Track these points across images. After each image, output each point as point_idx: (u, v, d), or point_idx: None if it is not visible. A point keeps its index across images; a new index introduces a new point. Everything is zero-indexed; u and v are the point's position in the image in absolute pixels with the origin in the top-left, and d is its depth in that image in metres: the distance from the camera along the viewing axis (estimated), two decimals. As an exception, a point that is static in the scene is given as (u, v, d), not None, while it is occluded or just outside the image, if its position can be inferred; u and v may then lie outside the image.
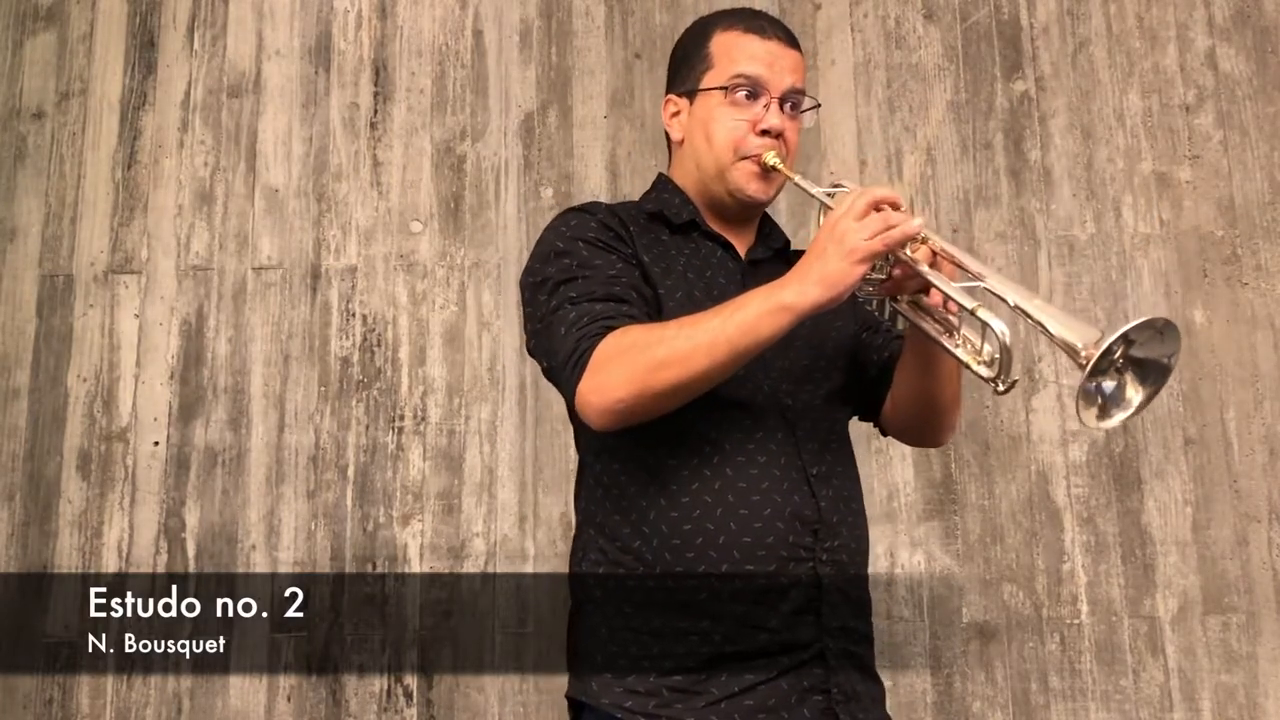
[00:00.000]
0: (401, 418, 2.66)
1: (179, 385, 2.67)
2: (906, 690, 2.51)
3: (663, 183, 1.58)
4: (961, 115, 2.80)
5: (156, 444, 2.64)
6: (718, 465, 1.38)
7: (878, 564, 2.56)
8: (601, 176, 2.78)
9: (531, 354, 1.45)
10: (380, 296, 2.72)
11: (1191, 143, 2.77)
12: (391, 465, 2.63)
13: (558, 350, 1.36)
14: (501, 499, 2.61)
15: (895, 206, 1.29)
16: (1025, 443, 2.62)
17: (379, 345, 2.70)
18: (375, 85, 2.84)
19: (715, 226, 1.53)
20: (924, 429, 1.57)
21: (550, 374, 1.41)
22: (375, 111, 2.82)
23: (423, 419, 2.66)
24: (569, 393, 1.36)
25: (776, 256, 1.57)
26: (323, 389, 2.67)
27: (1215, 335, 2.66)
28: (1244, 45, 2.81)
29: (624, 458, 1.42)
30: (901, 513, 2.60)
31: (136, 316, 2.71)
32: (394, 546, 2.59)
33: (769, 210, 1.61)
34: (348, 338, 2.70)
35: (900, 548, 2.58)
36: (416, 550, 2.59)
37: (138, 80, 2.84)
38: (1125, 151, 2.77)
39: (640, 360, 1.29)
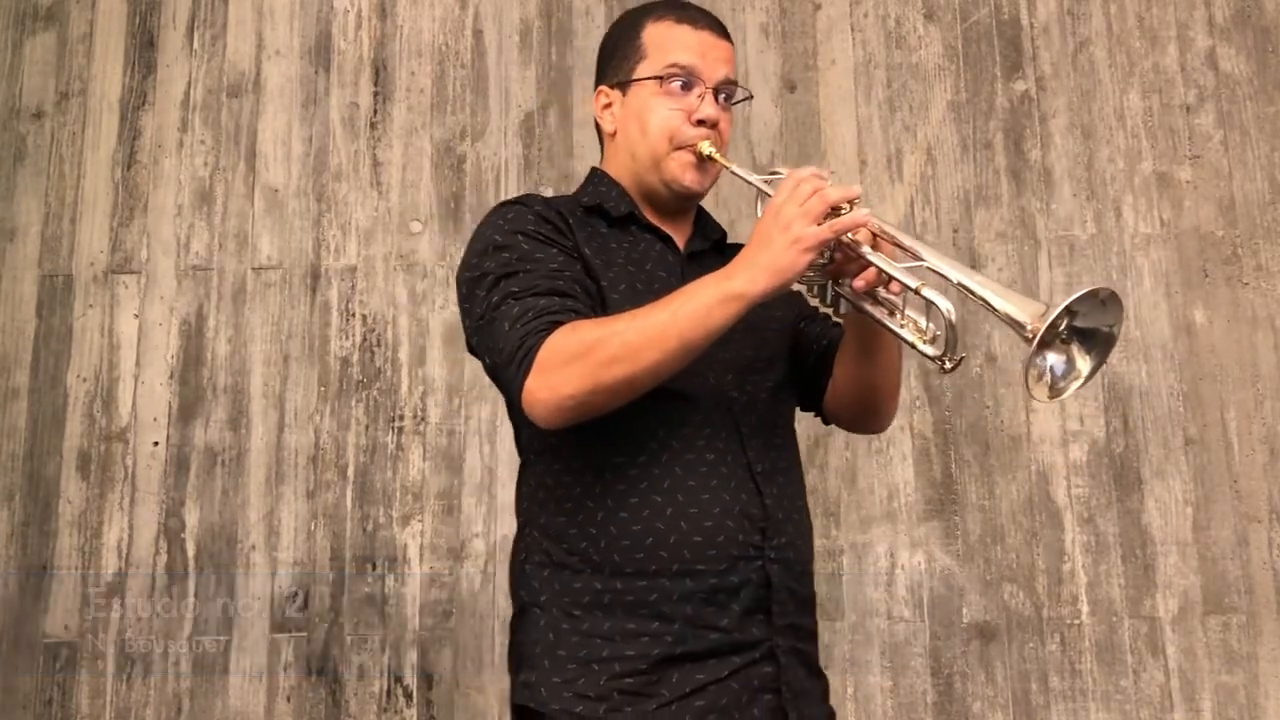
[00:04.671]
0: (401, 418, 2.65)
1: (179, 385, 2.67)
2: (906, 690, 2.51)
3: (598, 176, 1.56)
4: (962, 115, 2.80)
5: (156, 444, 2.64)
6: (666, 463, 1.36)
7: (878, 564, 2.56)
8: (601, 176, 2.78)
9: (473, 351, 1.42)
10: (380, 296, 2.72)
11: (1192, 143, 2.77)
12: (391, 465, 2.63)
13: (501, 347, 1.33)
14: (501, 499, 2.60)
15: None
16: (1025, 443, 2.62)
17: (379, 345, 2.70)
18: (375, 85, 2.84)
19: (653, 219, 1.51)
20: (865, 415, 1.57)
21: (493, 371, 1.38)
22: (375, 111, 2.82)
23: (423, 419, 2.65)
24: (515, 390, 1.32)
25: (714, 248, 1.56)
26: (322, 389, 2.67)
27: (1215, 335, 2.66)
28: (1244, 45, 2.81)
29: (567, 456, 1.40)
30: (901, 513, 2.60)
31: (136, 316, 2.71)
32: (394, 546, 2.59)
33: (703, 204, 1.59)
34: (348, 338, 2.70)
35: (900, 548, 2.58)
36: (416, 550, 2.59)
37: (137, 80, 2.84)
38: (1125, 151, 2.77)
39: (590, 356, 1.26)
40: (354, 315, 2.71)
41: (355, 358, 2.69)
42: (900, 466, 2.61)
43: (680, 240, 1.52)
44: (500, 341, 1.33)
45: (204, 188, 2.78)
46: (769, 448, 1.44)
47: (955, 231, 2.74)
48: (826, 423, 1.60)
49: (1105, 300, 1.20)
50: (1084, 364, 1.23)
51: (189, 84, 2.84)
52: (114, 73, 2.84)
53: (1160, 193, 2.74)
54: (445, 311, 2.71)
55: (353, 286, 2.73)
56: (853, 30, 2.86)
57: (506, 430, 2.65)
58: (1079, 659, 2.52)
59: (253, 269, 2.74)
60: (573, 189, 2.74)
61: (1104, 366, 1.25)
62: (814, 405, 1.58)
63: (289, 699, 2.52)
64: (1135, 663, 2.52)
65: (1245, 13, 2.82)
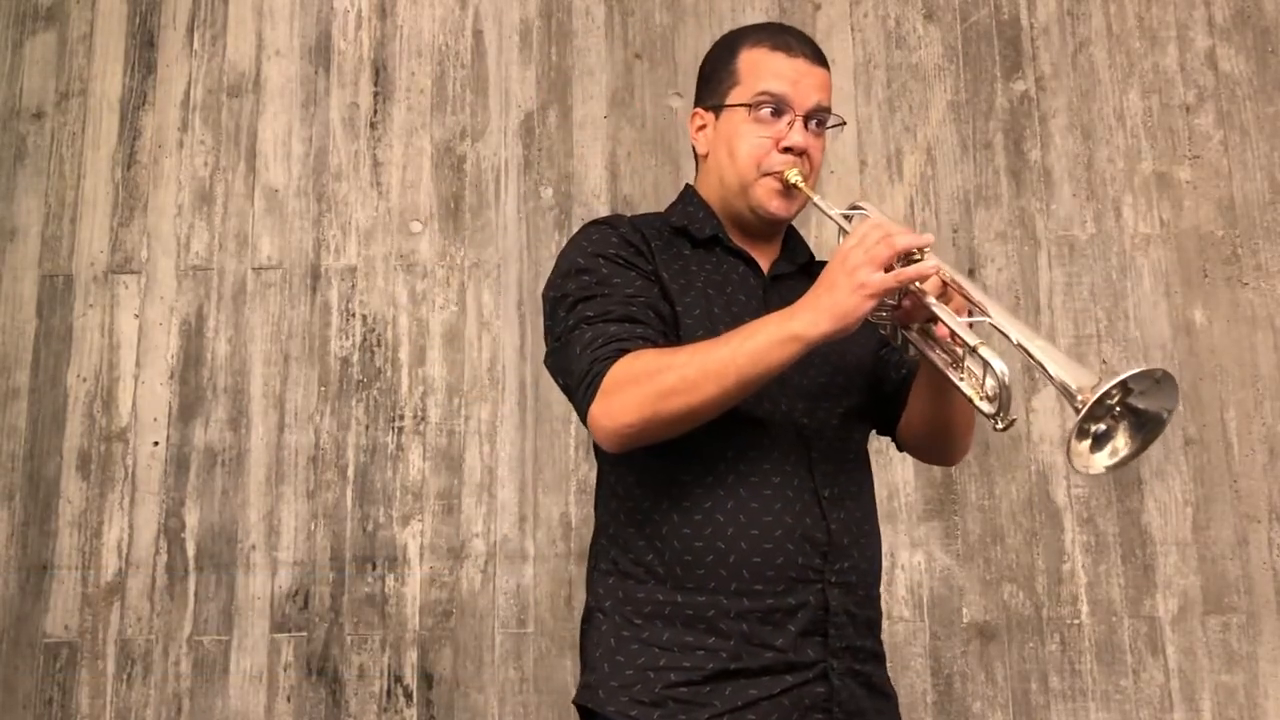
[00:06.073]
0: (401, 418, 2.66)
1: (179, 385, 2.67)
2: (906, 690, 2.51)
3: (689, 195, 1.59)
4: (961, 115, 2.80)
5: (156, 444, 2.64)
6: (732, 484, 1.40)
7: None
8: (601, 176, 2.78)
9: (550, 369, 1.47)
10: (380, 296, 2.72)
11: (1191, 143, 2.77)
12: (391, 465, 2.63)
13: (573, 370, 1.38)
14: (501, 499, 2.60)
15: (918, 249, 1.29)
16: (1025, 443, 2.62)
17: (379, 345, 2.70)
18: (375, 85, 2.84)
19: (739, 241, 1.53)
20: (936, 449, 1.58)
21: (565, 392, 1.43)
22: (375, 111, 2.82)
23: (423, 419, 2.66)
24: (582, 414, 1.37)
25: (800, 271, 1.57)
26: (323, 389, 2.67)
27: (1215, 335, 2.66)
28: (1244, 45, 2.81)
29: (640, 471, 1.44)
30: (901, 513, 2.60)
31: (136, 316, 2.71)
32: (394, 546, 2.59)
33: (795, 223, 1.61)
34: (348, 338, 2.70)
35: (900, 548, 2.58)
36: (416, 550, 2.59)
37: (138, 80, 2.84)
38: (1125, 151, 2.77)
39: (650, 387, 1.30)
40: (354, 315, 2.71)
41: (355, 358, 2.69)
42: (900, 466, 2.61)
43: (765, 263, 1.54)
44: (572, 365, 1.38)
45: (204, 188, 2.78)
46: (839, 473, 1.46)
47: (955, 231, 2.74)
48: (901, 449, 1.62)
49: (1160, 380, 1.17)
50: (1125, 443, 1.20)
51: (189, 84, 2.84)
52: (114, 73, 2.84)
53: (1160, 193, 2.74)
54: (445, 311, 2.71)
55: (353, 286, 2.73)
56: (852, 30, 2.86)
57: (506, 430, 2.66)
58: (1079, 659, 2.52)
59: (253, 269, 2.74)
60: (573, 189, 2.77)
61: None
62: (889, 431, 1.60)
63: (289, 699, 2.52)
64: (1135, 663, 2.52)
65: (1245, 13, 2.82)
